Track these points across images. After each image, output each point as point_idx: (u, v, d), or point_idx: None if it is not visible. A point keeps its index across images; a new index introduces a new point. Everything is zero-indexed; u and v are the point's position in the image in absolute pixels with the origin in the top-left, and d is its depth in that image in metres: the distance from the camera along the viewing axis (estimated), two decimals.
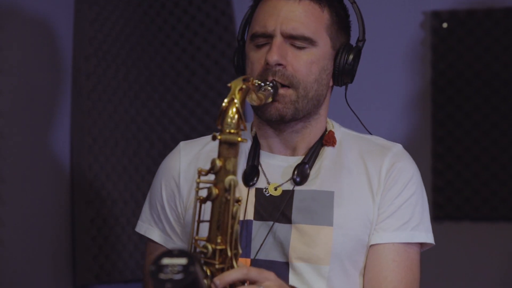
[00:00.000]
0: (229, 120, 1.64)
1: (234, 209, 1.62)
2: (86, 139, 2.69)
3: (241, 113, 1.65)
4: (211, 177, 1.64)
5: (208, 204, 1.64)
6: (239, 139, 1.63)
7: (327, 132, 1.96)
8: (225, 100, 1.65)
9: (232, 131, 1.64)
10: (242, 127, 1.65)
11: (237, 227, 1.62)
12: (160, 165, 2.03)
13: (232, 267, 1.62)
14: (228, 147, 1.63)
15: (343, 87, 1.97)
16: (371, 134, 2.00)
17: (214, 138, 1.64)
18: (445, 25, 3.10)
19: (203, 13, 3.04)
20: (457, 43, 3.09)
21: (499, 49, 3.07)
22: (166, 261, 1.43)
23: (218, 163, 1.63)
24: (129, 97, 2.85)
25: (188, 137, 2.96)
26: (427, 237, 1.92)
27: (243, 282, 1.62)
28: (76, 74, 2.70)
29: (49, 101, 2.64)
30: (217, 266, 1.61)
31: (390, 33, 3.06)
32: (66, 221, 2.67)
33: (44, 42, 2.63)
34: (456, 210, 3.10)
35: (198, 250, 1.64)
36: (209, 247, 1.61)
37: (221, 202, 1.62)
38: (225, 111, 1.65)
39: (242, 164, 1.93)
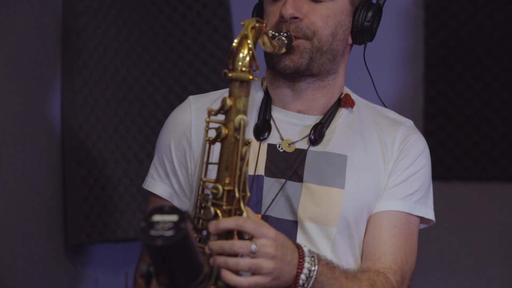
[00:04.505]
0: (241, 57, 1.61)
1: (243, 150, 1.59)
2: (77, 99, 2.67)
3: (254, 52, 1.62)
4: (222, 119, 1.61)
5: (218, 148, 1.62)
6: (251, 77, 1.60)
7: (343, 94, 1.94)
8: (237, 38, 1.62)
9: (244, 69, 1.61)
10: (254, 67, 1.62)
11: (246, 169, 1.60)
12: (168, 119, 1.98)
13: (239, 209, 1.60)
14: (240, 85, 1.60)
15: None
16: (384, 105, 2.00)
17: (224, 76, 1.60)
18: None
19: None
20: (450, 2, 3.08)
21: (492, 8, 3.05)
22: (157, 217, 1.43)
23: (229, 102, 1.59)
24: (120, 57, 2.82)
25: (179, 97, 2.95)
26: (427, 213, 1.93)
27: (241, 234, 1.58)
28: (66, 32, 2.67)
29: (39, 60, 2.61)
30: (224, 208, 1.59)
31: None
32: (57, 181, 2.66)
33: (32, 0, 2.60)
34: (447, 170, 3.11)
35: (207, 191, 1.62)
36: (220, 187, 1.59)
37: (230, 142, 1.59)
38: (237, 48, 1.61)
39: (253, 119, 1.90)
